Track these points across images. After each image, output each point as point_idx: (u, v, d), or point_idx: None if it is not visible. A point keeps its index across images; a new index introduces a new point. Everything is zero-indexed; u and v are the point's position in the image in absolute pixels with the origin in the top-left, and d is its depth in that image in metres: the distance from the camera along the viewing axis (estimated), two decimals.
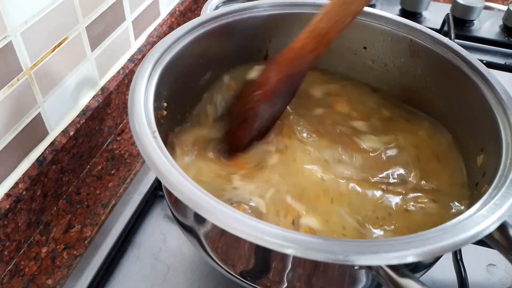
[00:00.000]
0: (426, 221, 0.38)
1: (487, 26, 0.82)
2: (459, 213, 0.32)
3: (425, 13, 0.84)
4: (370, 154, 0.44)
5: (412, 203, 0.40)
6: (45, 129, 0.51)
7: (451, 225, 0.29)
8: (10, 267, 0.48)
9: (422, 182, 0.42)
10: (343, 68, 0.52)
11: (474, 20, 0.81)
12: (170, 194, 0.38)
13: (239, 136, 0.43)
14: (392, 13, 0.48)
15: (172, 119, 0.45)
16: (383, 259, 0.27)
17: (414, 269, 0.34)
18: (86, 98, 0.57)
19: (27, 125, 0.48)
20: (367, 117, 0.48)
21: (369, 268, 0.29)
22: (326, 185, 0.40)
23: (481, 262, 0.48)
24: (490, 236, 0.30)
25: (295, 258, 0.32)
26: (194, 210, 0.29)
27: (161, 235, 0.51)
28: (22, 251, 0.49)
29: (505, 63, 0.74)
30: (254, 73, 0.48)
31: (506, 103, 0.38)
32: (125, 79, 0.63)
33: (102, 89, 0.59)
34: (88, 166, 0.58)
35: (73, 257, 0.49)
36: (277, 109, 0.43)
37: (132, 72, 0.63)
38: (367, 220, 0.38)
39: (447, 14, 0.80)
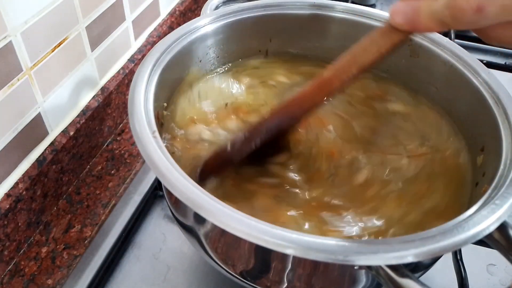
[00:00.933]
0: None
1: None
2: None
3: None
4: None
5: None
6: (45, 129, 0.51)
7: (451, 225, 0.29)
8: (10, 267, 0.48)
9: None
10: None
11: None
12: (170, 194, 0.38)
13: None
14: None
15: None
16: (383, 259, 0.27)
17: (414, 269, 0.34)
18: (86, 98, 0.57)
19: (27, 125, 0.48)
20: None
21: (369, 268, 0.29)
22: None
23: (481, 262, 0.48)
24: (490, 236, 0.30)
25: (295, 258, 0.32)
26: (194, 210, 0.29)
27: (161, 235, 0.51)
28: (22, 251, 0.49)
29: (505, 63, 0.74)
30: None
31: (506, 103, 0.38)
32: (125, 79, 0.63)
33: (102, 89, 0.59)
34: (88, 166, 0.58)
35: (73, 257, 0.49)
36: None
37: (132, 72, 0.63)
38: None
39: None
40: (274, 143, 0.41)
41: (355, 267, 0.31)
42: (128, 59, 0.64)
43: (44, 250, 0.49)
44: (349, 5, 0.49)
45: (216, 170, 0.39)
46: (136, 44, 0.66)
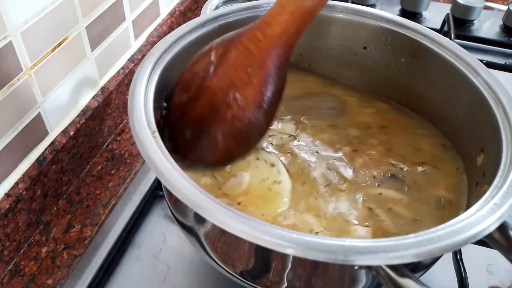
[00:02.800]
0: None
1: (487, 26, 0.82)
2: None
3: (425, 13, 0.84)
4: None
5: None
6: (45, 129, 0.51)
7: (451, 225, 0.29)
8: (10, 267, 0.48)
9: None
10: (343, 69, 0.52)
11: (474, 20, 0.81)
12: (170, 194, 0.38)
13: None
14: (392, 13, 0.48)
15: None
16: (383, 259, 0.27)
17: (414, 269, 0.34)
18: (86, 98, 0.57)
19: (27, 125, 0.48)
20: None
21: (369, 268, 0.29)
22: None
23: (481, 262, 0.48)
24: (490, 236, 0.30)
25: (295, 258, 0.32)
26: (194, 210, 0.29)
27: (161, 235, 0.51)
28: (22, 251, 0.49)
29: (505, 63, 0.74)
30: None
31: (506, 103, 0.38)
32: (125, 79, 0.63)
33: (102, 89, 0.59)
34: (88, 166, 0.58)
35: (73, 257, 0.49)
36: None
37: (132, 72, 0.63)
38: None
39: (447, 14, 0.80)
40: None
41: (355, 267, 0.31)
42: (128, 59, 0.64)
43: (44, 250, 0.49)
44: (349, 5, 0.49)
45: None
46: (136, 44, 0.66)
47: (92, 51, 0.56)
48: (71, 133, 0.53)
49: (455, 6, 0.81)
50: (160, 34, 0.69)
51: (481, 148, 0.40)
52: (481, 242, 0.31)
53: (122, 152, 0.61)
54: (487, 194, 0.32)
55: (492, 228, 0.29)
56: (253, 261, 0.34)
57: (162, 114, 0.41)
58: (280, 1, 0.35)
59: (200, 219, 0.35)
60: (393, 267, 0.28)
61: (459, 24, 0.81)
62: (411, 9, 0.83)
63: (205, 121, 0.37)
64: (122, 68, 0.62)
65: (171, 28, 0.72)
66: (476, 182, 0.39)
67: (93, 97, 0.58)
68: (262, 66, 0.35)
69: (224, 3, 0.53)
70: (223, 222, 0.28)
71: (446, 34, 0.74)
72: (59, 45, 0.49)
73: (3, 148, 0.45)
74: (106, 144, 0.62)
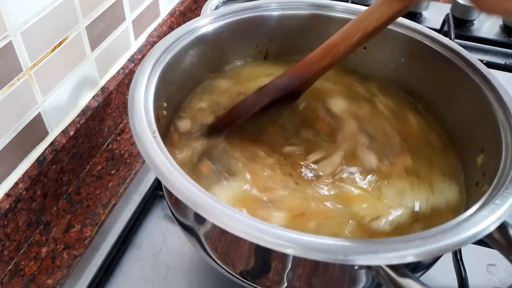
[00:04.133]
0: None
1: (487, 26, 0.82)
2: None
3: (425, 13, 0.84)
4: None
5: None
6: (45, 129, 0.51)
7: (451, 225, 0.29)
8: (10, 267, 0.48)
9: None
10: (343, 69, 0.52)
11: (474, 20, 0.81)
12: (170, 194, 0.38)
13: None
14: None
15: (172, 119, 0.45)
16: (383, 259, 0.27)
17: (414, 269, 0.34)
18: (86, 98, 0.57)
19: (27, 125, 0.48)
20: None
21: (369, 268, 0.29)
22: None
23: (481, 262, 0.48)
24: (490, 236, 0.30)
25: (295, 258, 0.32)
26: (194, 210, 0.29)
27: (161, 235, 0.51)
28: (22, 251, 0.49)
29: (505, 63, 0.74)
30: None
31: (506, 103, 0.38)
32: (125, 79, 0.63)
33: (102, 89, 0.59)
34: (88, 166, 0.58)
35: (73, 257, 0.49)
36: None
37: (132, 72, 0.63)
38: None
39: (447, 14, 0.80)
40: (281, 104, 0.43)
41: (355, 267, 0.31)
42: (128, 59, 0.64)
43: (44, 250, 0.49)
44: (349, 5, 0.49)
45: (226, 124, 0.43)
46: (136, 44, 0.66)
47: (92, 51, 0.56)
48: (71, 133, 0.53)
49: (455, 6, 0.81)
50: (160, 34, 0.69)
51: (481, 148, 0.40)
52: (481, 242, 0.31)
53: (122, 152, 0.61)
54: (487, 194, 0.32)
55: (492, 228, 0.29)
56: (253, 261, 0.34)
57: (162, 114, 0.41)
58: None
59: (200, 219, 0.35)
60: (393, 267, 0.28)
61: (459, 24, 0.81)
62: (411, 9, 0.83)
63: None
64: (122, 68, 0.62)
65: (171, 28, 0.72)
66: (476, 182, 0.39)
67: (93, 97, 0.58)
68: None
69: (224, 3, 0.53)
70: (223, 222, 0.28)
71: (446, 34, 0.74)
72: (59, 45, 0.49)
73: (3, 148, 0.45)
74: (106, 144, 0.62)
